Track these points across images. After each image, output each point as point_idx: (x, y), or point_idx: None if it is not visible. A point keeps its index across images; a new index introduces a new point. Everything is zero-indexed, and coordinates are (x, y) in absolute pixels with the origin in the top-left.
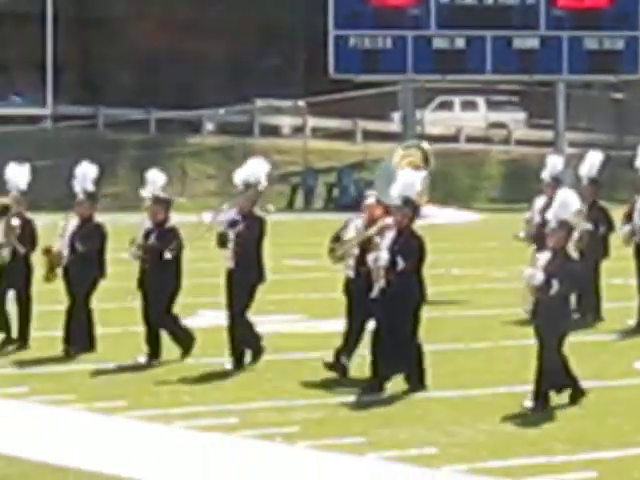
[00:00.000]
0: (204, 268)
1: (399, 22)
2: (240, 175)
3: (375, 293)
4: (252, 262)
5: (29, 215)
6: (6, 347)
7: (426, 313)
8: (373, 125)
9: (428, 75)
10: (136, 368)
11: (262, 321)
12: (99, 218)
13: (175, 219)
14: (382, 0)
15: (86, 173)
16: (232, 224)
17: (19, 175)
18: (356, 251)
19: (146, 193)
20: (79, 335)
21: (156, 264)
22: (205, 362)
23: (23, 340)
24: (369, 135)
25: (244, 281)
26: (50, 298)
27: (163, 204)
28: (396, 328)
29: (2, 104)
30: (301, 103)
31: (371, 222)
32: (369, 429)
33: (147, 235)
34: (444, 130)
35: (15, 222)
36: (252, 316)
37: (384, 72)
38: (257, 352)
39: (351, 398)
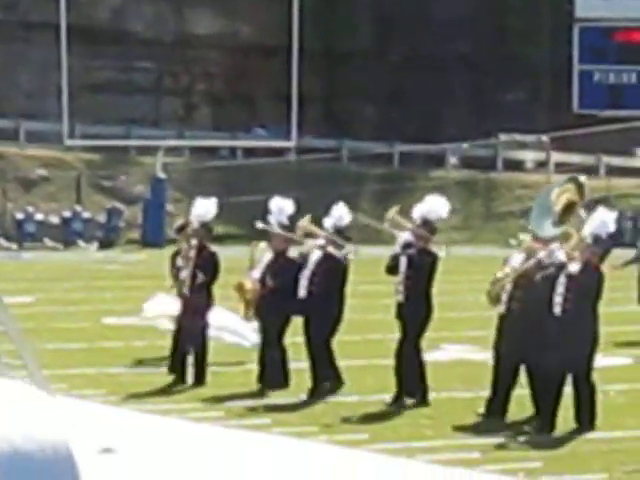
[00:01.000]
0: (449, 302)
1: None
2: (418, 210)
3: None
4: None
5: (211, 246)
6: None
7: None
8: (616, 160)
9: None
10: (376, 402)
11: None
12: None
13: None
14: (627, 35)
15: (282, 207)
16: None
17: (205, 207)
18: (509, 286)
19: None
20: (273, 372)
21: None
22: (444, 397)
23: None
24: (612, 170)
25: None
26: None
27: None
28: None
29: (247, 136)
30: (544, 138)
31: (529, 257)
32: (612, 465)
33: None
34: None
35: (191, 253)
36: None
37: (629, 107)
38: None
39: (593, 434)
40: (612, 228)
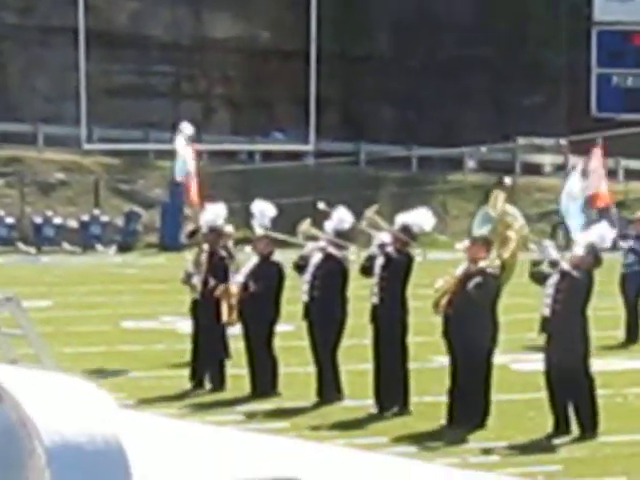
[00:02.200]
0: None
1: None
2: (402, 218)
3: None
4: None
5: (222, 251)
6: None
7: None
8: (635, 164)
9: None
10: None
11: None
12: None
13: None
14: None
15: (264, 210)
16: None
17: (214, 213)
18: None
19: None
20: (262, 376)
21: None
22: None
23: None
24: (631, 174)
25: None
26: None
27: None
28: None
29: (265, 140)
30: (563, 141)
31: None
32: (631, 469)
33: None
34: None
35: (203, 258)
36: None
37: None
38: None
39: (613, 437)
40: (608, 244)
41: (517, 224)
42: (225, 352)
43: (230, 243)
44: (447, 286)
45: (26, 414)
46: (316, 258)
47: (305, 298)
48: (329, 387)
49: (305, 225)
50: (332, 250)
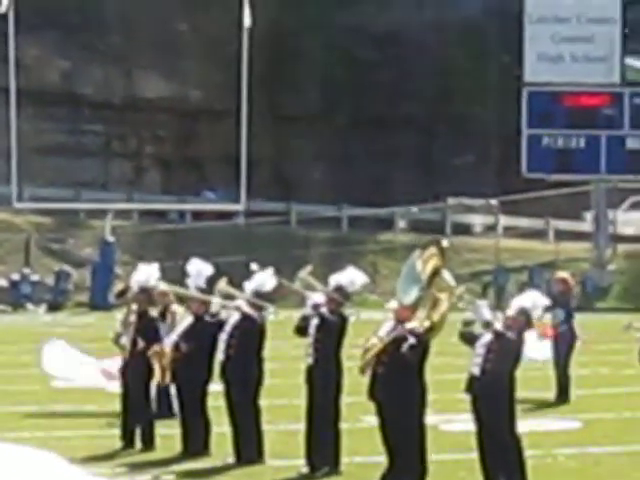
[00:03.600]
0: None
1: (592, 122)
2: (335, 278)
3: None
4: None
5: (153, 311)
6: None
7: None
8: (565, 224)
9: (621, 175)
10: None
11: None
12: None
13: (364, 315)
14: (576, 100)
15: (200, 270)
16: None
17: (147, 273)
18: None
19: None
20: (195, 436)
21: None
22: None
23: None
24: (561, 234)
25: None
26: None
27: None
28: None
29: (196, 199)
30: (493, 202)
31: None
32: None
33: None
34: (637, 230)
35: (132, 319)
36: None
37: (577, 172)
38: None
39: None
40: (541, 312)
41: (451, 287)
42: (169, 410)
43: (173, 305)
44: (378, 347)
45: None
46: (233, 319)
47: (221, 357)
48: (246, 446)
49: (222, 283)
50: (248, 310)
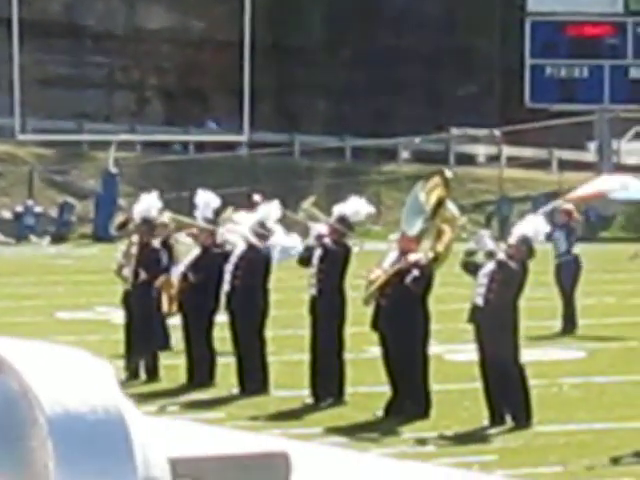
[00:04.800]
0: None
1: (596, 51)
2: (339, 208)
3: None
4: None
5: (155, 242)
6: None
7: None
8: (568, 154)
9: (624, 105)
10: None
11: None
12: None
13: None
14: (579, 30)
15: (208, 201)
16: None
17: (147, 203)
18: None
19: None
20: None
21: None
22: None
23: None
24: (565, 164)
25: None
26: None
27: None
28: None
29: (198, 130)
30: (497, 132)
31: (402, 255)
32: (566, 458)
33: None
34: None
35: (133, 250)
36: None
37: (580, 102)
38: None
39: (548, 427)
40: (542, 238)
41: (455, 218)
42: (166, 342)
43: (175, 234)
44: (383, 278)
45: (27, 384)
46: (238, 249)
47: (227, 288)
48: (251, 377)
49: (228, 213)
50: (254, 240)
